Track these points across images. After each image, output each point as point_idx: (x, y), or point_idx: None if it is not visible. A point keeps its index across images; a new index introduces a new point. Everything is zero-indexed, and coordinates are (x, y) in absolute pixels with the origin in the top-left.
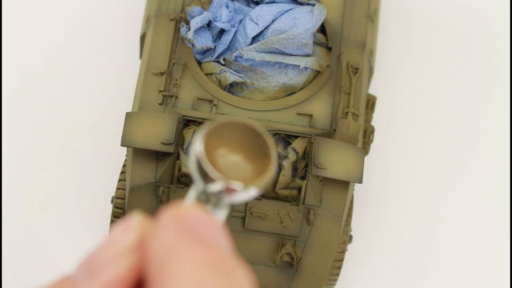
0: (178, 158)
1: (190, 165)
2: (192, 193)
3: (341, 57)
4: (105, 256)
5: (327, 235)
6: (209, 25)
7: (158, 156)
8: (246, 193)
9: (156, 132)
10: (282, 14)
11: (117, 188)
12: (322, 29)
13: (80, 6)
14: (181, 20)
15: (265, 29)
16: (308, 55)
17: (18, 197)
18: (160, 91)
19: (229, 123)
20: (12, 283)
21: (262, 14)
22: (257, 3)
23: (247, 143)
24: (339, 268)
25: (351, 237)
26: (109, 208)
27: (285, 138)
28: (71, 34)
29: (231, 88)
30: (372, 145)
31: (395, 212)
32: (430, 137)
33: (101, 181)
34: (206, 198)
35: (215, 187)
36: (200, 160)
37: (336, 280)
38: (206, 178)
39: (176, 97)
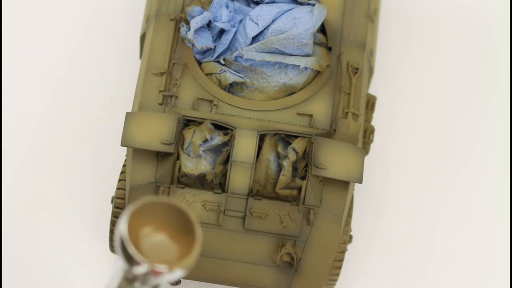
0: (178, 158)
1: (115, 246)
2: (119, 271)
3: (341, 57)
4: None
5: (327, 235)
6: (209, 25)
7: (158, 156)
8: (172, 274)
9: (156, 132)
10: (282, 14)
11: (117, 188)
12: (322, 29)
13: (80, 6)
14: (181, 20)
15: (265, 29)
16: (308, 55)
17: (18, 197)
18: (160, 91)
19: (152, 203)
20: (12, 283)
21: (262, 14)
22: (257, 3)
23: (172, 222)
24: (339, 268)
25: (351, 237)
26: (109, 208)
27: (285, 138)
28: (71, 34)
29: (231, 88)
30: (372, 145)
31: (395, 212)
32: (430, 137)
33: (101, 181)
34: (133, 277)
35: (140, 269)
36: (124, 241)
37: (336, 280)
38: (131, 260)
39: (176, 97)
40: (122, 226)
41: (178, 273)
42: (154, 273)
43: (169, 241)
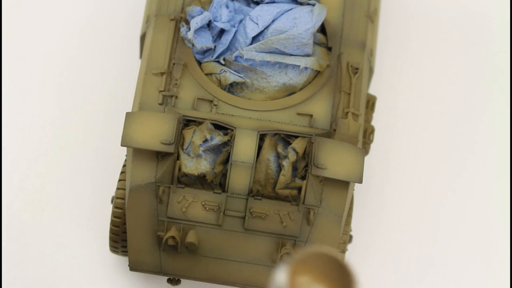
0: (178, 158)
1: None
2: None
3: (341, 57)
4: None
5: (327, 235)
6: (209, 25)
7: (158, 156)
8: None
9: (156, 132)
10: (282, 14)
11: (117, 188)
12: (322, 29)
13: (80, 6)
14: (181, 20)
15: (265, 29)
16: (308, 55)
17: (18, 197)
18: (160, 91)
19: (314, 253)
20: (12, 283)
21: (262, 14)
22: (257, 3)
23: (330, 274)
24: None
25: (351, 237)
26: (109, 208)
27: (285, 138)
28: (71, 34)
29: (231, 88)
30: (372, 145)
31: (395, 212)
32: (430, 137)
33: (101, 181)
34: None
35: None
36: None
37: None
38: None
39: (176, 97)
40: (283, 274)
41: None
42: None
43: None
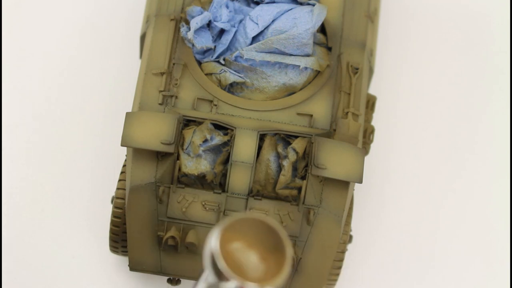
0: (178, 158)
1: (204, 259)
2: (202, 284)
3: (341, 57)
4: None
5: (327, 235)
6: (209, 25)
7: (158, 156)
8: None
9: (156, 132)
10: (282, 14)
11: (117, 188)
12: (322, 29)
13: (80, 6)
14: (181, 20)
15: (265, 29)
16: (308, 55)
17: (18, 197)
18: (160, 91)
19: (244, 219)
20: (12, 283)
21: (262, 14)
22: (257, 3)
23: (262, 239)
24: (339, 268)
25: (351, 237)
26: (109, 208)
27: (285, 138)
28: (71, 34)
29: (231, 88)
30: (372, 145)
31: (395, 212)
32: (430, 137)
33: (101, 181)
34: None
35: (229, 285)
36: (215, 256)
37: (336, 280)
38: (220, 275)
39: (176, 97)
40: (214, 240)
41: None
42: None
43: (258, 258)
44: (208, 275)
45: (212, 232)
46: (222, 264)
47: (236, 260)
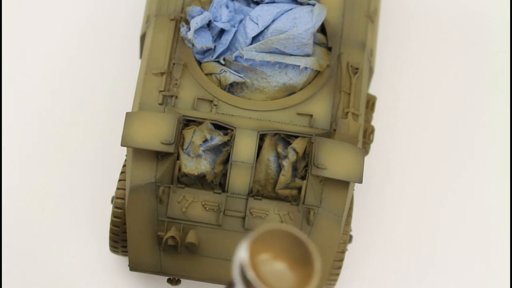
0: (178, 158)
1: (233, 270)
2: None
3: (341, 57)
4: None
5: (327, 235)
6: (209, 25)
7: (158, 156)
8: None
9: (156, 132)
10: (282, 14)
11: (117, 188)
12: (322, 29)
13: (80, 6)
14: (181, 20)
15: (265, 29)
16: (308, 55)
17: (18, 197)
18: (160, 91)
19: (273, 231)
20: (12, 283)
21: (262, 14)
22: (257, 3)
23: (290, 251)
24: (339, 268)
25: (351, 237)
26: (109, 208)
27: (285, 138)
28: (71, 34)
29: (231, 88)
30: (372, 145)
31: (395, 212)
32: (430, 137)
33: (101, 181)
34: None
35: None
36: (244, 268)
37: (336, 280)
38: (249, 285)
39: (176, 97)
40: (244, 251)
41: None
42: None
43: (286, 269)
44: (237, 286)
45: (241, 243)
46: (251, 275)
47: (264, 271)
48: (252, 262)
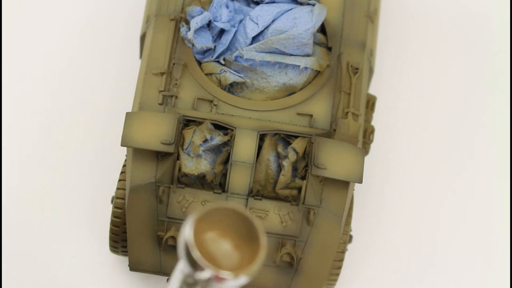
0: (178, 158)
1: (178, 250)
2: (178, 275)
3: (341, 57)
4: None
5: (327, 235)
6: (209, 25)
7: (158, 156)
8: (235, 281)
9: (156, 132)
10: (282, 14)
11: (117, 188)
12: (322, 29)
13: (80, 6)
14: (181, 20)
15: (265, 29)
16: (308, 55)
17: (18, 197)
18: (160, 91)
19: (218, 209)
20: (12, 283)
21: (262, 14)
22: (257, 3)
23: (236, 228)
24: (339, 268)
25: (351, 237)
26: (109, 208)
27: (285, 138)
28: (71, 34)
29: (231, 88)
30: (372, 145)
31: (395, 212)
32: (430, 137)
33: (101, 181)
34: (193, 281)
35: (203, 274)
36: (189, 246)
37: (336, 280)
38: (195, 264)
39: (176, 97)
40: (188, 230)
41: (242, 280)
42: (218, 279)
43: (233, 247)
44: (183, 265)
45: (185, 222)
46: (196, 254)
47: (210, 249)
48: (197, 241)
